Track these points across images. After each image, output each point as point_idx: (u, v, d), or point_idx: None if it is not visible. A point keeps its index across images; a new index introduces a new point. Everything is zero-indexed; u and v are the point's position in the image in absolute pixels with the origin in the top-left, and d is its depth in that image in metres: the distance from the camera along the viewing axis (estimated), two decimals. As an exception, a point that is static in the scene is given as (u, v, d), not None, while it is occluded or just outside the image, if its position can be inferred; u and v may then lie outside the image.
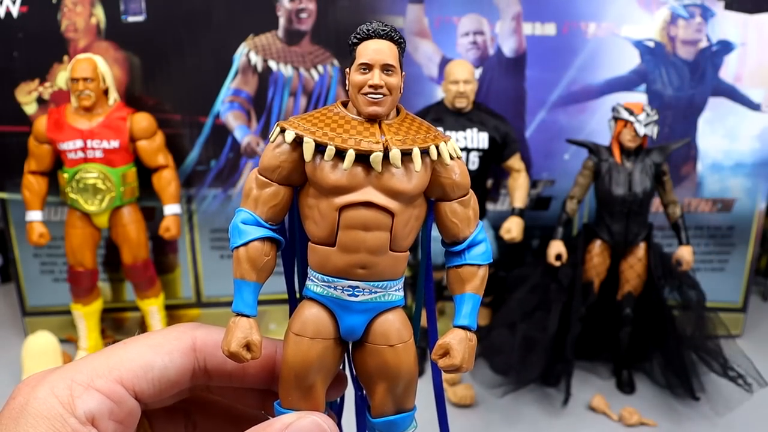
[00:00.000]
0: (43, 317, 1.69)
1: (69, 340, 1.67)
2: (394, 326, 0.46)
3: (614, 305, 1.53)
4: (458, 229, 0.47)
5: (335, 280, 0.44)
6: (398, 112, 0.46)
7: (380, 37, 0.44)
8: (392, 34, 0.44)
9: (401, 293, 0.47)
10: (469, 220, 0.47)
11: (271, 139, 0.45)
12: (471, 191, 0.47)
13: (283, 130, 0.44)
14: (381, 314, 0.46)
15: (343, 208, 0.43)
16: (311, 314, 0.45)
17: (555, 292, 1.49)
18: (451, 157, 0.45)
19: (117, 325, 1.72)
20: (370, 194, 0.43)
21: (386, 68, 0.44)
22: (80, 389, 0.39)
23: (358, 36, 0.45)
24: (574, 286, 1.48)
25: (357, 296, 0.44)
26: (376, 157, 0.42)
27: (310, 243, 0.45)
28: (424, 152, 0.44)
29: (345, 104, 0.46)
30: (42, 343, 1.48)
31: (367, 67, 0.44)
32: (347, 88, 0.45)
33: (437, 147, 0.44)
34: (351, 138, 0.43)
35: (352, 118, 0.44)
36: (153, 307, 1.60)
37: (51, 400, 0.38)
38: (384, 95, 0.44)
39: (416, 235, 0.46)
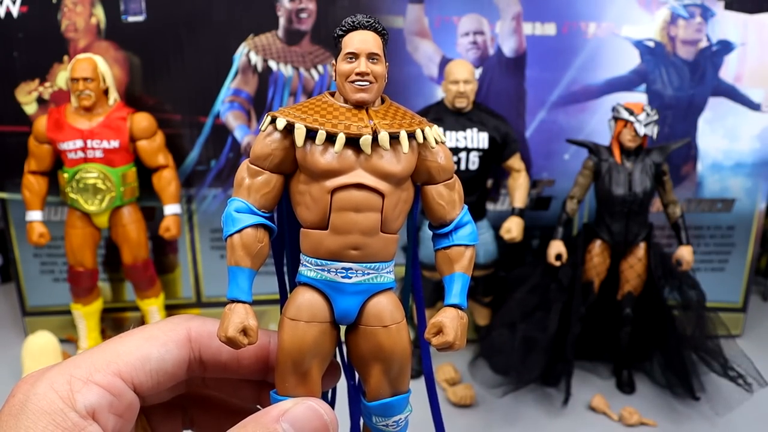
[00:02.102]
0: (43, 317, 1.69)
1: (69, 340, 1.67)
2: (387, 308, 0.47)
3: (614, 305, 1.53)
4: (445, 211, 0.49)
5: (328, 263, 0.45)
6: (383, 101, 0.48)
7: (365, 28, 0.46)
8: (376, 26, 0.47)
9: (392, 276, 0.48)
10: (455, 203, 0.49)
11: (262, 129, 0.46)
12: (455, 176, 0.49)
13: (273, 119, 0.46)
14: (373, 296, 0.47)
15: (335, 191, 0.45)
16: (305, 299, 0.46)
17: (555, 292, 1.49)
18: (436, 142, 0.47)
19: (117, 325, 1.72)
20: (360, 176, 0.45)
21: (371, 57, 0.46)
22: (79, 384, 0.39)
23: (344, 28, 0.47)
24: (574, 286, 1.48)
25: (350, 278, 0.46)
26: (366, 140, 0.44)
27: (302, 229, 0.47)
28: (411, 136, 0.46)
29: (333, 95, 0.48)
30: (42, 343, 1.48)
31: (354, 56, 0.46)
32: (334, 78, 0.47)
33: (423, 131, 0.46)
34: (340, 123, 0.44)
35: (341, 106, 0.46)
36: (153, 307, 1.60)
37: (51, 395, 0.38)
38: (370, 82, 0.46)
39: (405, 219, 0.48)
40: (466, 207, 0.50)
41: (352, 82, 0.45)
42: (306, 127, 0.44)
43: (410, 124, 0.46)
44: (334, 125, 0.44)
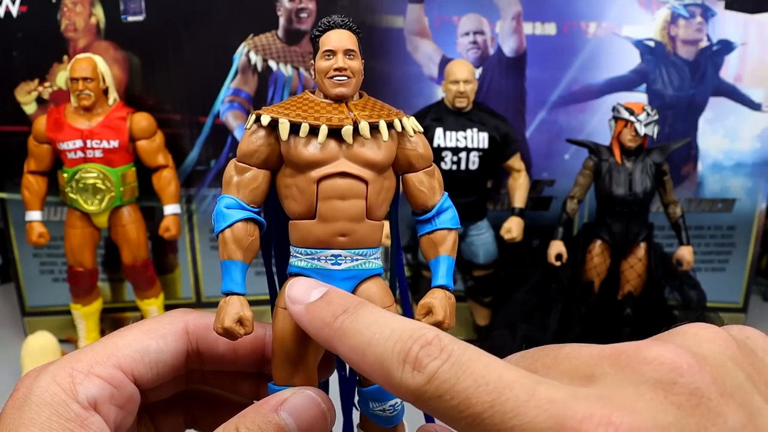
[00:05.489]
0: (43, 317, 1.69)
1: (69, 340, 1.67)
2: (376, 293, 0.48)
3: (614, 305, 1.53)
4: (426, 197, 0.50)
5: (318, 251, 0.47)
6: (361, 96, 0.50)
7: (340, 27, 0.49)
8: (350, 25, 0.49)
9: (380, 262, 0.49)
10: (435, 189, 0.51)
11: (247, 127, 0.48)
12: (434, 164, 0.51)
13: (258, 117, 0.47)
14: (362, 283, 0.48)
15: (320, 180, 0.46)
16: None
17: (555, 292, 1.49)
18: (414, 131, 0.49)
19: (117, 325, 1.72)
20: (344, 165, 0.46)
21: (348, 53, 0.48)
22: (81, 376, 0.40)
23: (320, 28, 0.49)
24: (574, 286, 1.48)
25: (340, 264, 0.47)
26: (347, 130, 0.46)
27: (290, 221, 0.48)
28: (389, 126, 0.48)
29: (313, 93, 0.50)
30: (42, 343, 1.48)
31: (331, 53, 0.48)
32: (314, 76, 0.49)
33: (401, 121, 0.48)
34: (322, 116, 0.46)
35: (321, 101, 0.48)
36: (153, 307, 1.60)
37: (53, 387, 0.39)
38: (348, 77, 0.47)
39: (388, 207, 0.50)
40: (446, 194, 0.52)
41: (331, 77, 0.47)
42: (289, 121, 0.46)
43: (388, 114, 0.48)
44: (316, 118, 0.46)
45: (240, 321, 0.44)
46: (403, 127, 0.48)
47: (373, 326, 0.34)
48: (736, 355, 0.30)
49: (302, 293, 0.40)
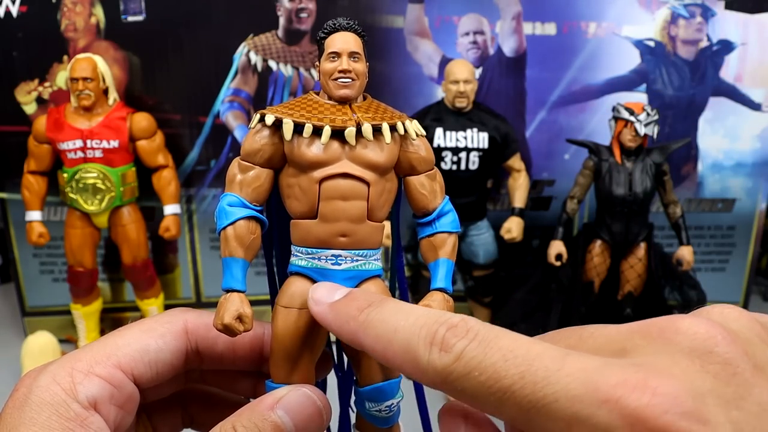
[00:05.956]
0: (43, 317, 1.69)
1: (69, 340, 1.67)
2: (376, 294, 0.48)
3: (615, 305, 1.53)
4: (427, 201, 0.51)
5: (318, 250, 0.47)
6: (365, 98, 0.51)
7: (345, 30, 0.49)
8: (355, 28, 0.50)
9: (380, 263, 0.50)
10: (436, 192, 0.51)
11: (252, 126, 0.49)
12: (436, 168, 0.52)
13: (262, 117, 0.48)
14: (362, 283, 0.48)
15: (322, 181, 0.47)
16: (298, 287, 0.48)
17: (555, 292, 1.49)
18: (417, 135, 0.50)
19: (117, 325, 1.72)
20: (346, 166, 0.47)
21: (353, 55, 0.48)
22: (81, 376, 0.40)
23: (326, 30, 0.50)
24: (574, 286, 1.48)
25: (340, 264, 0.47)
26: (350, 132, 0.46)
27: (292, 220, 0.48)
28: (392, 129, 0.48)
29: (318, 94, 0.51)
30: (42, 343, 1.48)
31: (336, 56, 0.48)
32: (318, 78, 0.50)
33: (403, 124, 0.49)
34: (326, 117, 0.47)
35: (325, 102, 0.49)
36: (153, 307, 1.60)
37: (53, 387, 0.39)
38: (353, 79, 0.48)
39: (389, 208, 0.51)
40: (447, 197, 0.52)
41: (336, 79, 0.48)
42: (293, 122, 0.46)
43: (391, 117, 0.49)
44: (319, 119, 0.47)
45: (239, 318, 0.44)
46: (405, 130, 0.49)
47: (399, 314, 0.35)
48: (762, 334, 0.30)
49: (326, 294, 0.41)
